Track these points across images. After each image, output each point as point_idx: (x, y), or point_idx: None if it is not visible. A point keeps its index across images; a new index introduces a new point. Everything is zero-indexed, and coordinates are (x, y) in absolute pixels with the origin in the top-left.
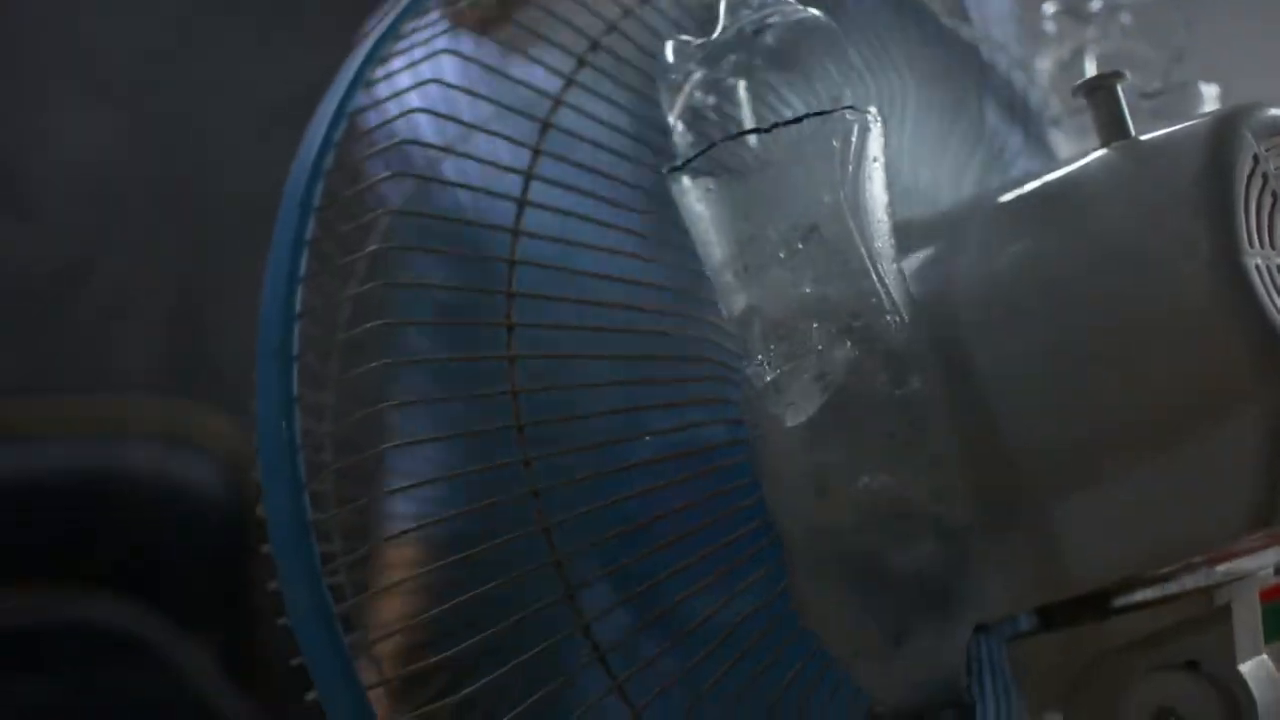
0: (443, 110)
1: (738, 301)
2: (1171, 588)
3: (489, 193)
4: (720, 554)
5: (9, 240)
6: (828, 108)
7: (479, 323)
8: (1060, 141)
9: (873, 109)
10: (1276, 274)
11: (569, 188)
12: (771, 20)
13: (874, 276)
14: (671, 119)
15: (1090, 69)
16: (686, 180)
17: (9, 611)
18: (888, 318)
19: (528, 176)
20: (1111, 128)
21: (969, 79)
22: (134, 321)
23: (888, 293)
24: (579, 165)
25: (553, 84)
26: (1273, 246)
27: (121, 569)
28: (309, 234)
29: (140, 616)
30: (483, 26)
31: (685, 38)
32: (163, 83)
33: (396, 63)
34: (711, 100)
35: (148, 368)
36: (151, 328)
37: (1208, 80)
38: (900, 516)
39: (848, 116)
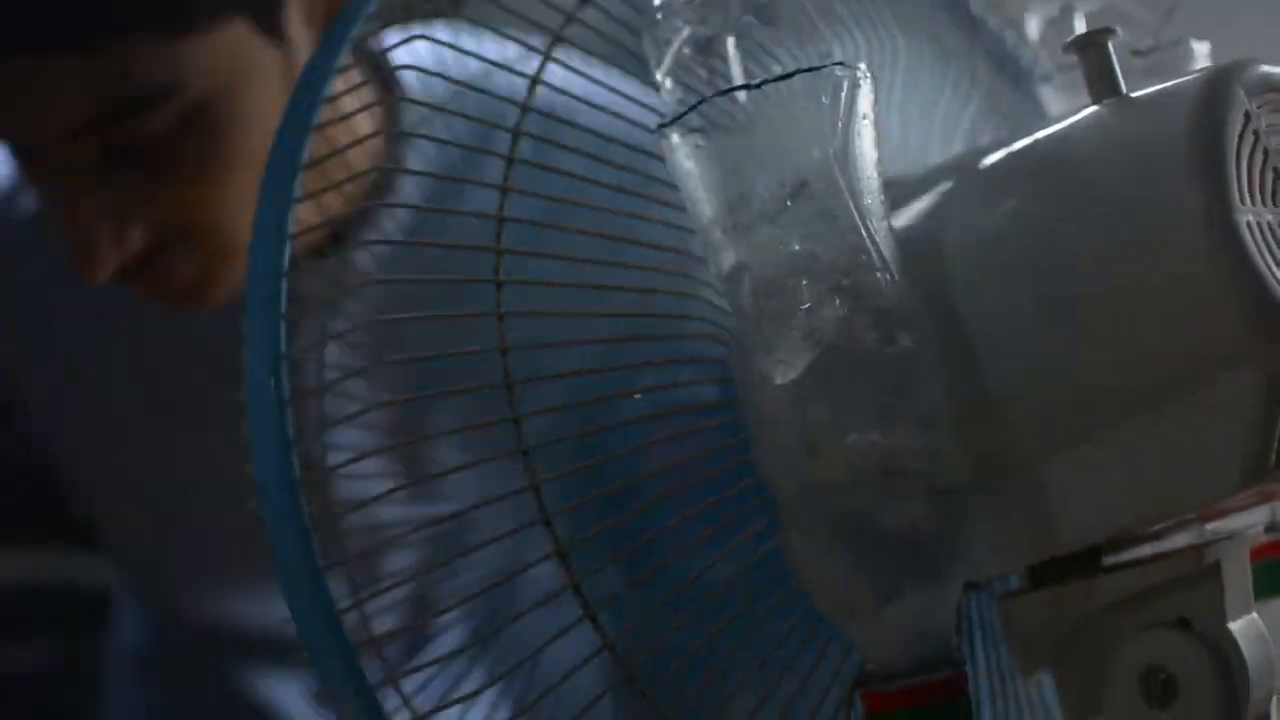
0: (430, 67)
1: (727, 259)
2: (1162, 546)
3: (478, 150)
4: (711, 512)
5: None
6: (817, 64)
7: (469, 280)
8: (1050, 99)
9: (862, 65)
10: (1268, 231)
11: (557, 144)
12: None
13: (864, 234)
14: (659, 75)
15: (1079, 26)
16: (675, 137)
17: None
18: (877, 275)
19: (515, 134)
20: (1102, 85)
21: (960, 36)
22: None
23: (878, 250)
24: (567, 122)
25: (539, 40)
26: (1264, 204)
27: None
28: (298, 192)
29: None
30: None
31: None
32: None
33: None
34: (700, 57)
35: None
36: None
37: (1199, 37)
38: (891, 475)
39: (837, 73)
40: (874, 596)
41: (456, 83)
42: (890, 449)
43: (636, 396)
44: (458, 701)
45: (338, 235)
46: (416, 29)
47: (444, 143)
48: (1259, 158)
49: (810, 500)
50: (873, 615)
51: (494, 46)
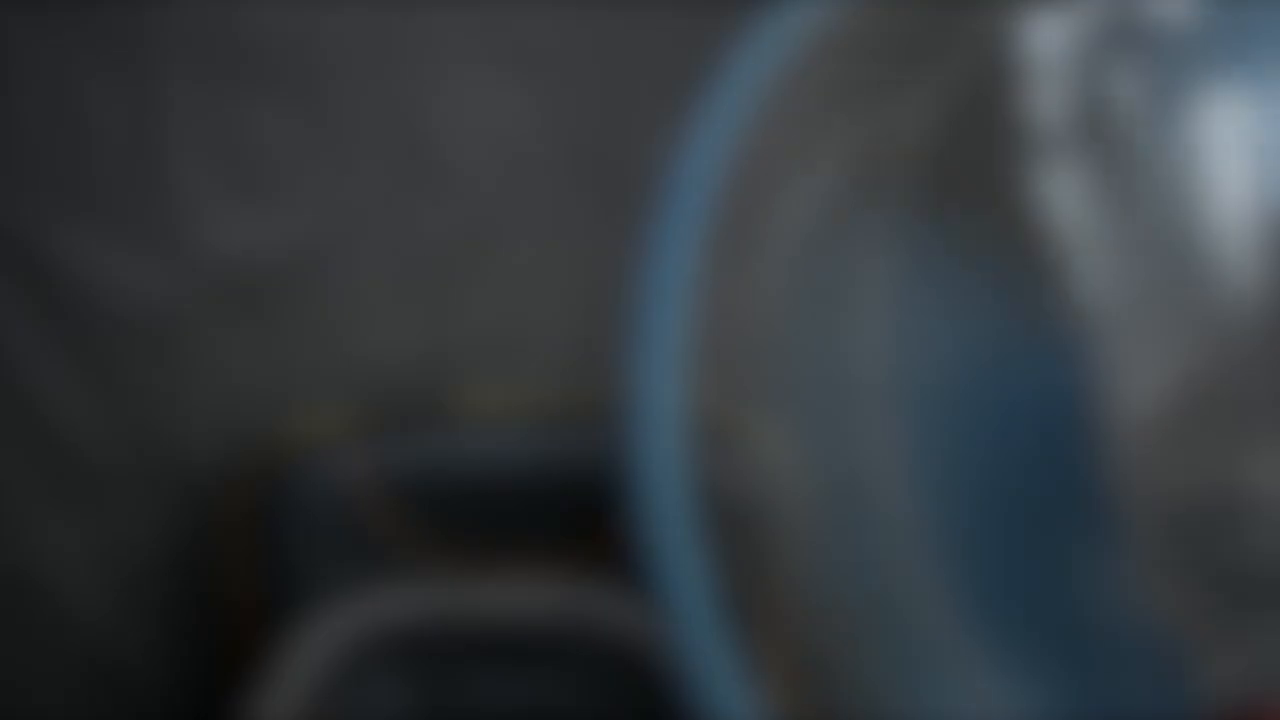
0: None
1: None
2: None
3: None
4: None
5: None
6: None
7: None
8: None
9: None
10: None
11: None
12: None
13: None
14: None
15: None
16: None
17: None
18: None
19: None
20: None
21: None
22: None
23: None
24: None
25: None
26: None
27: None
28: None
29: None
30: None
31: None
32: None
33: None
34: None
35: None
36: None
37: None
38: (1246, 508)
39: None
40: (1214, 629)
41: None
42: (1249, 479)
43: None
44: None
45: None
46: None
47: None
48: None
49: (1161, 524)
50: (1213, 646)
51: None
